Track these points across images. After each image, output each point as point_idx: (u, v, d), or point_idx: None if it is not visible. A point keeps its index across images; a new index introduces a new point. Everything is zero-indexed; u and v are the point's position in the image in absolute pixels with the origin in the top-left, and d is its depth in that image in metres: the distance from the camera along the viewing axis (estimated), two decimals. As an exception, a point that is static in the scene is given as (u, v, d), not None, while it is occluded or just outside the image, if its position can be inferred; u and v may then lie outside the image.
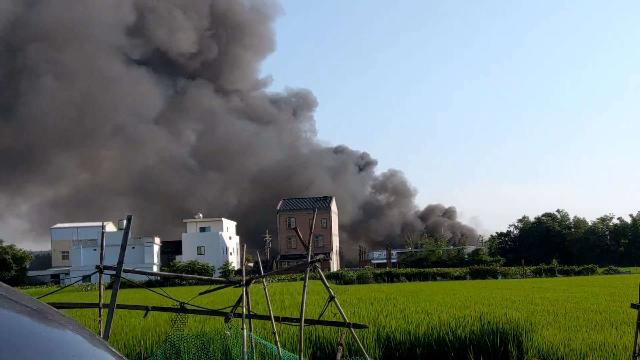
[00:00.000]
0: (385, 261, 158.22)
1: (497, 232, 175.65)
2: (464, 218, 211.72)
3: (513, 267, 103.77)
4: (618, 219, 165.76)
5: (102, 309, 11.28)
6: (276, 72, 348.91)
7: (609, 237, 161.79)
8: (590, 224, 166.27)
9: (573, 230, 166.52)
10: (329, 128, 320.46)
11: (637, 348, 11.97)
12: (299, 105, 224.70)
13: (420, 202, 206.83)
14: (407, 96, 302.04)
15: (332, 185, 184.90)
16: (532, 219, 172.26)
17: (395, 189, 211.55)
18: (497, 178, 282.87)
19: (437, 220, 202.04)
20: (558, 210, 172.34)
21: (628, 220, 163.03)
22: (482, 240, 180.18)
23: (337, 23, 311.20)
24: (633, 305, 12.54)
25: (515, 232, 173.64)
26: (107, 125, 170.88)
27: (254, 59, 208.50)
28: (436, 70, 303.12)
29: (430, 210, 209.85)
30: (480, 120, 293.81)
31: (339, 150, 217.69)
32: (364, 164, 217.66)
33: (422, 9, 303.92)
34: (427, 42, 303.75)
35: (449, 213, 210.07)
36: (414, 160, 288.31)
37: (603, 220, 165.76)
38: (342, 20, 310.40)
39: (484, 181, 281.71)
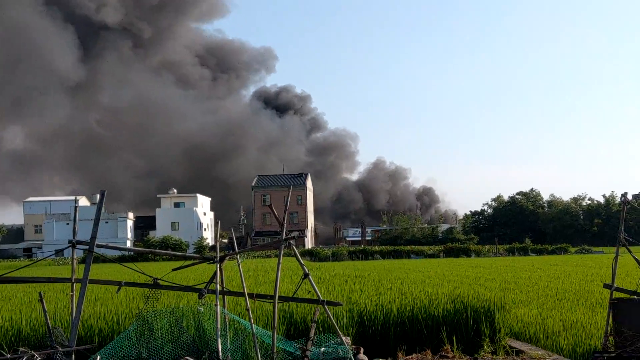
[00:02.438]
0: (360, 239, 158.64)
1: (471, 211, 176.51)
2: (439, 196, 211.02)
3: (486, 246, 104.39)
4: (590, 199, 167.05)
5: (74, 284, 11.19)
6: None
7: (582, 217, 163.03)
8: (563, 203, 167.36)
9: (546, 209, 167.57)
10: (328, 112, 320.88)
11: (609, 327, 12.04)
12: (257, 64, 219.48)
13: (395, 180, 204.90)
14: (382, 74, 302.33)
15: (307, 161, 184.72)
16: (506, 198, 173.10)
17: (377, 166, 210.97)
18: (472, 158, 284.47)
19: (411, 197, 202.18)
20: (532, 190, 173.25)
21: (601, 200, 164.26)
22: (456, 219, 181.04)
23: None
24: (606, 285, 12.61)
25: (489, 211, 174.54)
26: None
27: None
28: (412, 51, 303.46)
29: (406, 187, 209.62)
30: (456, 100, 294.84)
31: (315, 126, 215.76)
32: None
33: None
34: (406, 23, 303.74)
35: (425, 191, 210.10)
36: (389, 138, 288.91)
37: (576, 200, 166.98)
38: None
39: (459, 160, 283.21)
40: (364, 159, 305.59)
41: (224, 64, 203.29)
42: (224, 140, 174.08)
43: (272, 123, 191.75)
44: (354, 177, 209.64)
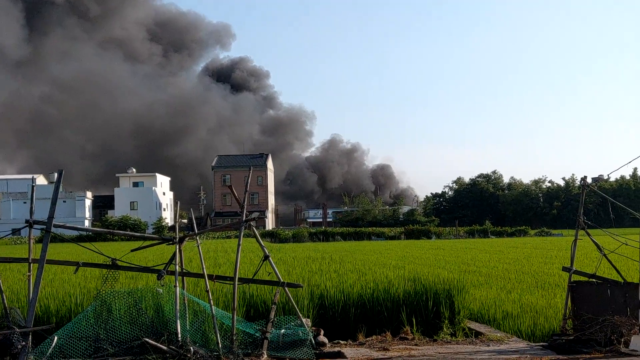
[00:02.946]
0: (321, 220, 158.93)
1: (432, 193, 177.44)
2: (400, 178, 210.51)
3: (447, 228, 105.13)
4: (550, 182, 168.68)
5: (31, 264, 11.05)
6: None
7: (542, 200, 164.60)
8: (524, 186, 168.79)
9: (507, 192, 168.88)
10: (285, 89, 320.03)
11: (567, 310, 12.13)
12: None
13: (351, 158, 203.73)
14: (342, 55, 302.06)
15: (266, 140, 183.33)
16: (467, 180, 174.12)
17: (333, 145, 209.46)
18: (433, 140, 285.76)
19: (366, 177, 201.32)
20: (494, 172, 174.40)
21: (561, 183, 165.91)
22: (417, 201, 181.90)
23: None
24: (564, 268, 12.70)
25: (450, 193, 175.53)
26: None
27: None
28: (372, 30, 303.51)
29: (362, 166, 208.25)
30: (417, 82, 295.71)
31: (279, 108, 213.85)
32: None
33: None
34: (363, 4, 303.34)
35: (381, 170, 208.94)
36: (346, 117, 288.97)
37: (536, 182, 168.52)
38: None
39: (420, 142, 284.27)
40: (321, 138, 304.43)
41: (176, 39, 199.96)
42: (173, 119, 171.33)
43: (224, 101, 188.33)
44: (309, 156, 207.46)
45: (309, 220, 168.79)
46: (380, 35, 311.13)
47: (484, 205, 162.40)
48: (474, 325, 13.99)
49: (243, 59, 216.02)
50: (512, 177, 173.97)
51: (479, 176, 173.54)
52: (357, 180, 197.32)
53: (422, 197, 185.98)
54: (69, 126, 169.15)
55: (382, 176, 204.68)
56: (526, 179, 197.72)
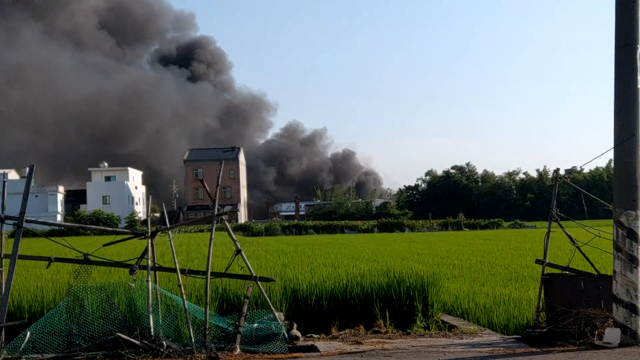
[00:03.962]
0: (293, 213, 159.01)
1: (405, 186, 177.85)
2: (366, 167, 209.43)
3: (420, 221, 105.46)
4: (524, 173, 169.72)
5: (3, 259, 11.00)
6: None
7: (515, 192, 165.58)
8: (497, 178, 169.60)
9: (480, 184, 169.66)
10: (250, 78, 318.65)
11: (541, 303, 12.22)
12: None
13: (311, 146, 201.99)
14: (313, 44, 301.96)
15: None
16: (440, 172, 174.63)
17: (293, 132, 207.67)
18: (406, 131, 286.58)
19: (345, 169, 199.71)
20: (468, 164, 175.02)
21: (534, 175, 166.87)
22: (390, 194, 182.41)
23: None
24: (538, 261, 12.79)
25: (423, 185, 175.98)
26: None
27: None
28: (349, 20, 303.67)
29: (337, 157, 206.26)
30: (390, 72, 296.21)
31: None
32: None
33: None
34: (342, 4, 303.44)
35: (345, 158, 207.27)
36: (306, 104, 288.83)
37: (510, 174, 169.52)
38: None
39: (393, 134, 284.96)
40: (280, 125, 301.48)
41: (132, 26, 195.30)
42: (125, 111, 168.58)
43: (178, 91, 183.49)
44: (267, 144, 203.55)
45: (281, 213, 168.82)
46: (346, 25, 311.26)
47: (457, 198, 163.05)
48: (448, 319, 14.06)
49: (205, 39, 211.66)
50: (485, 170, 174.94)
51: (453, 168, 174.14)
52: (319, 169, 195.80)
53: (390, 189, 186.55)
54: (19, 119, 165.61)
55: (344, 163, 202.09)
56: (499, 171, 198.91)
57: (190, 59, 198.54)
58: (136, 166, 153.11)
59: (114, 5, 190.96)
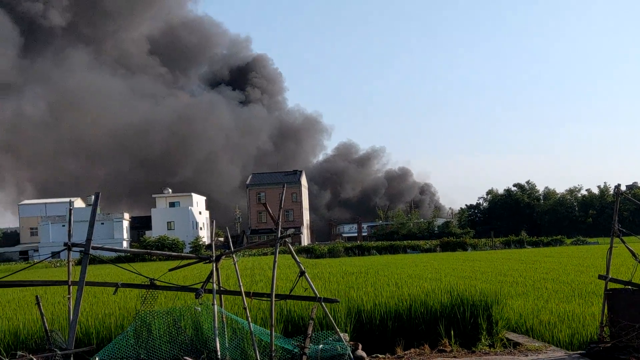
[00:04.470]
0: (356, 234, 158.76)
1: (466, 204, 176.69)
2: (434, 190, 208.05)
3: (482, 239, 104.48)
4: (586, 190, 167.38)
5: (71, 286, 11.20)
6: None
7: (577, 209, 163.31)
8: (558, 195, 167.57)
9: (542, 201, 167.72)
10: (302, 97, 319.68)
11: (604, 318, 12.09)
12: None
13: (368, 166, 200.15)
14: (376, 70, 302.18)
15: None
16: (500, 191, 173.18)
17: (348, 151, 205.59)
18: (466, 150, 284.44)
19: (401, 188, 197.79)
20: (527, 182, 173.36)
21: (596, 191, 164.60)
22: (452, 213, 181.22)
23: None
24: (600, 277, 12.66)
25: (484, 204, 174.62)
26: None
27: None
28: (404, 41, 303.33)
29: (392, 176, 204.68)
30: (448, 91, 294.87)
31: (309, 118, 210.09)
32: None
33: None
34: (406, 19, 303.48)
35: (421, 185, 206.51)
36: (365, 124, 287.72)
37: (571, 191, 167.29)
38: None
39: (453, 153, 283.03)
40: (333, 144, 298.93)
41: (184, 52, 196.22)
42: (179, 136, 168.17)
43: (231, 114, 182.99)
44: (321, 165, 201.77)
45: (344, 235, 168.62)
46: (405, 39, 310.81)
47: (519, 216, 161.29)
48: (512, 336, 13.96)
49: (260, 58, 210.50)
50: (546, 187, 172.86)
51: (515, 185, 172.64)
52: (373, 189, 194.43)
53: (452, 208, 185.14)
54: (74, 147, 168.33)
55: (400, 183, 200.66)
56: (561, 188, 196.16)
57: (244, 82, 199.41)
58: (190, 191, 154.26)
59: (166, 31, 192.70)
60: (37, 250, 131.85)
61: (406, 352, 12.83)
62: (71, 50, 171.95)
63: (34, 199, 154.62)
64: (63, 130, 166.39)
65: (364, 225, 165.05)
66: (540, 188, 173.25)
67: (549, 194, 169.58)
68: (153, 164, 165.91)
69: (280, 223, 11.83)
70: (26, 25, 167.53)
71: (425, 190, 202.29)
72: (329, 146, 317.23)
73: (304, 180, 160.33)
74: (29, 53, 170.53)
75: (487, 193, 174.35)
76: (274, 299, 11.52)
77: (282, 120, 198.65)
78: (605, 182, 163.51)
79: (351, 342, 11.99)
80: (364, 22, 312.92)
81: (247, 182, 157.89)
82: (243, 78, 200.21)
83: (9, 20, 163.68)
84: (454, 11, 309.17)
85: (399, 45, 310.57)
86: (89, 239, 10.79)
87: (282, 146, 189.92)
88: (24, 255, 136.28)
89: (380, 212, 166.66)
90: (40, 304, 11.49)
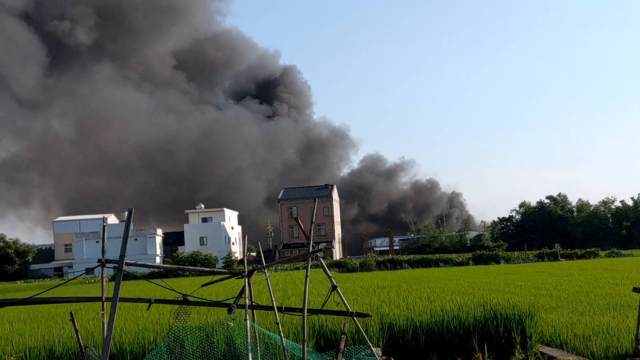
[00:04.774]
0: (387, 248, 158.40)
1: (499, 217, 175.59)
2: (468, 203, 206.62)
3: (516, 252, 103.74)
4: (620, 201, 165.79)
5: (105, 303, 11.29)
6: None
7: (611, 220, 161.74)
8: (592, 207, 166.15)
9: (575, 213, 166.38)
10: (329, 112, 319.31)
11: (638, 330, 11.97)
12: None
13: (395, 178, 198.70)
14: (404, 81, 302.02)
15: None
16: (533, 203, 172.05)
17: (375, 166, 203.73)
18: (497, 162, 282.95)
19: (429, 200, 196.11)
20: (559, 194, 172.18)
21: (630, 203, 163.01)
22: (484, 226, 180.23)
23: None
24: (635, 289, 12.54)
25: (517, 217, 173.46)
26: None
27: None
28: (441, 57, 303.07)
29: (420, 188, 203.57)
30: (480, 105, 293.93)
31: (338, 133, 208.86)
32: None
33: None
34: (435, 31, 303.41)
35: (450, 195, 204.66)
36: (391, 138, 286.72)
37: (605, 203, 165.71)
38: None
39: (484, 165, 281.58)
40: (359, 157, 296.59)
41: (211, 66, 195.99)
42: (206, 151, 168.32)
43: (258, 128, 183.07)
44: (348, 178, 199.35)
45: (375, 248, 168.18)
46: (434, 49, 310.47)
47: (552, 228, 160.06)
48: (546, 350, 13.86)
49: (288, 71, 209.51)
50: (580, 199, 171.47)
51: (548, 198, 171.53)
52: (401, 201, 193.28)
53: (484, 221, 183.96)
54: (102, 164, 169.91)
55: (428, 196, 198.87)
56: (594, 200, 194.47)
57: (271, 96, 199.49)
58: (216, 206, 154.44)
59: (192, 45, 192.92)
60: (72, 267, 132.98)
61: (439, 366, 12.79)
62: (97, 67, 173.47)
63: (62, 215, 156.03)
64: (90, 147, 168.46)
65: (396, 239, 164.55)
66: (573, 200, 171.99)
67: (582, 206, 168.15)
68: (180, 179, 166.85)
69: (311, 237, 11.85)
70: (53, 44, 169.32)
71: (454, 202, 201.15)
72: (355, 159, 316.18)
73: (335, 195, 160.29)
74: (55, 70, 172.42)
75: (520, 206, 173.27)
76: (306, 313, 11.53)
77: (308, 134, 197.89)
78: (639, 193, 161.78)
79: (384, 357, 11.98)
80: (392, 33, 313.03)
81: (279, 196, 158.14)
82: (270, 92, 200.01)
83: (37, 40, 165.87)
84: (483, 22, 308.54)
85: (427, 56, 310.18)
86: (122, 255, 10.86)
87: (308, 160, 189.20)
88: (59, 272, 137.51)
89: (411, 225, 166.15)
90: (75, 320, 11.59)
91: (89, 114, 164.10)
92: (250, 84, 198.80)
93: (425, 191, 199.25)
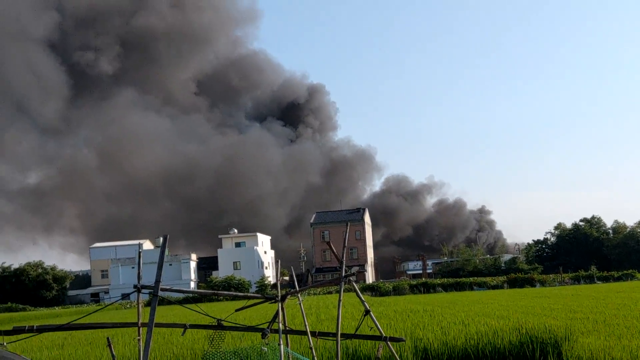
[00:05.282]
0: (420, 272, 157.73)
1: (533, 240, 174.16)
2: (499, 225, 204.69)
3: (551, 275, 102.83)
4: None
5: (141, 328, 11.37)
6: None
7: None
8: (628, 228, 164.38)
9: (611, 235, 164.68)
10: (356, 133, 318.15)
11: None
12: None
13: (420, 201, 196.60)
14: (437, 103, 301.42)
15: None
16: (568, 225, 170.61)
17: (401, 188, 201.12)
18: (531, 185, 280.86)
19: (457, 222, 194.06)
20: (593, 217, 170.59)
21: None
22: (518, 249, 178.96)
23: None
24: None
25: (552, 239, 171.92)
26: None
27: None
28: (470, 79, 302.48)
29: (447, 210, 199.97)
30: (514, 126, 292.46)
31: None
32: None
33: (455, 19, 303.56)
34: (465, 52, 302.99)
35: (478, 213, 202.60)
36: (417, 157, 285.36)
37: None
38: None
39: (518, 188, 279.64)
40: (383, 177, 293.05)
41: (234, 91, 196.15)
42: (229, 175, 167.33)
43: (281, 153, 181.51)
44: (372, 200, 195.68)
45: (408, 272, 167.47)
46: (467, 87, 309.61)
47: (588, 251, 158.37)
48: (583, 374, 13.74)
49: (314, 91, 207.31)
50: (616, 220, 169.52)
51: (582, 220, 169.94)
52: (428, 223, 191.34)
53: (518, 244, 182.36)
54: (123, 190, 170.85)
55: (456, 217, 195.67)
56: (630, 220, 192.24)
57: (297, 119, 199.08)
58: (239, 228, 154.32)
59: (215, 70, 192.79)
60: (108, 292, 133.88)
61: (474, 390, 12.72)
62: (119, 93, 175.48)
63: (86, 240, 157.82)
64: (114, 173, 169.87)
65: (429, 262, 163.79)
66: (608, 222, 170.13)
67: (618, 227, 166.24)
68: (204, 204, 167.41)
69: (344, 261, 11.88)
70: (77, 73, 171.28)
71: (483, 221, 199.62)
72: (378, 181, 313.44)
73: (367, 218, 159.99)
74: (78, 98, 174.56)
75: (555, 228, 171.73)
76: (339, 338, 11.53)
77: (332, 155, 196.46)
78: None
79: (418, 381, 11.94)
80: (420, 53, 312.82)
81: (311, 220, 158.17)
82: (296, 114, 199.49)
83: (61, 69, 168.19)
84: (512, 44, 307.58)
85: (453, 76, 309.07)
86: (157, 281, 10.96)
87: (332, 182, 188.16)
88: (95, 298, 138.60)
89: (444, 248, 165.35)
90: (112, 345, 11.69)
91: (111, 140, 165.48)
92: (274, 106, 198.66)
93: (452, 212, 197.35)
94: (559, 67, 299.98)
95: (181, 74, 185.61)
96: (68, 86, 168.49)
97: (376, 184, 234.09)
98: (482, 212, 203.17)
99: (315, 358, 11.37)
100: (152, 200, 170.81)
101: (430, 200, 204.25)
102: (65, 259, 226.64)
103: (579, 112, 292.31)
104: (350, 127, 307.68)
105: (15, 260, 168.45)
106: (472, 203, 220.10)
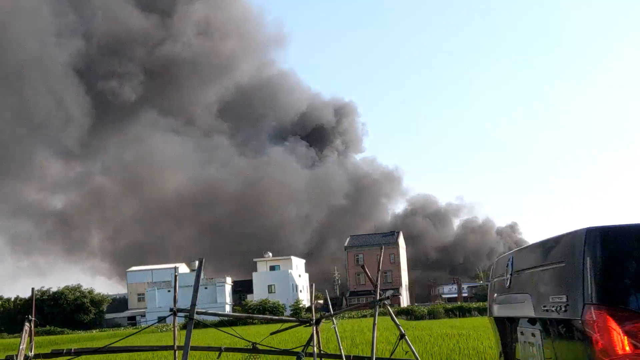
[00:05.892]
0: (456, 295, 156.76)
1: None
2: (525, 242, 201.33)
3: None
4: None
5: (176, 351, 11.50)
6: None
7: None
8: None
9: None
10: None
11: None
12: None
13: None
14: (460, 112, 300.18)
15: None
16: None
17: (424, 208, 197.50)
18: (562, 200, 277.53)
19: (485, 241, 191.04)
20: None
21: None
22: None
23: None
24: None
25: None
26: None
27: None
28: (486, 85, 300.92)
29: (475, 230, 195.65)
30: (541, 145, 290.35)
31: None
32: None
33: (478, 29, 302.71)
34: (492, 70, 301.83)
35: (513, 235, 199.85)
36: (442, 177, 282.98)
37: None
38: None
39: (547, 206, 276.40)
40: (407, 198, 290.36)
41: (258, 113, 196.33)
42: (252, 198, 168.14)
43: (304, 176, 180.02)
44: (397, 221, 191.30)
45: (443, 296, 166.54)
46: (487, 83, 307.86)
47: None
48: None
49: (345, 111, 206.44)
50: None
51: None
52: (455, 244, 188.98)
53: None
54: (149, 214, 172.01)
55: (485, 237, 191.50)
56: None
57: (323, 142, 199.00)
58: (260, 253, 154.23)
59: (239, 93, 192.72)
60: (144, 316, 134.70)
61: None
62: (141, 117, 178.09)
63: (125, 266, 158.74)
64: (138, 197, 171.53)
65: (464, 286, 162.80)
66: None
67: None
68: (225, 228, 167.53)
69: (378, 285, 11.96)
70: (101, 98, 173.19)
71: (513, 245, 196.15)
72: (403, 200, 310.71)
73: (401, 241, 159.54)
74: (101, 123, 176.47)
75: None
76: (374, 362, 11.58)
77: (357, 178, 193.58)
78: None
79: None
80: (449, 70, 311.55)
81: (345, 244, 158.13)
82: (322, 135, 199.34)
83: (86, 94, 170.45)
84: (544, 63, 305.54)
85: (479, 93, 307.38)
86: (193, 305, 11.10)
87: (357, 205, 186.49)
88: (132, 321, 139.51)
89: (480, 272, 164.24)
90: (148, 368, 11.85)
91: (134, 164, 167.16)
92: (298, 128, 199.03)
93: (480, 232, 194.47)
94: (594, 85, 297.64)
95: (204, 97, 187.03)
96: (91, 112, 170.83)
97: (400, 205, 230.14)
98: (513, 230, 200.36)
99: (350, 381, 11.45)
100: (175, 223, 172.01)
101: (458, 220, 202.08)
102: (94, 282, 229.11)
103: (611, 133, 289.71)
104: (374, 145, 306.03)
105: (43, 283, 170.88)
106: (500, 222, 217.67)
